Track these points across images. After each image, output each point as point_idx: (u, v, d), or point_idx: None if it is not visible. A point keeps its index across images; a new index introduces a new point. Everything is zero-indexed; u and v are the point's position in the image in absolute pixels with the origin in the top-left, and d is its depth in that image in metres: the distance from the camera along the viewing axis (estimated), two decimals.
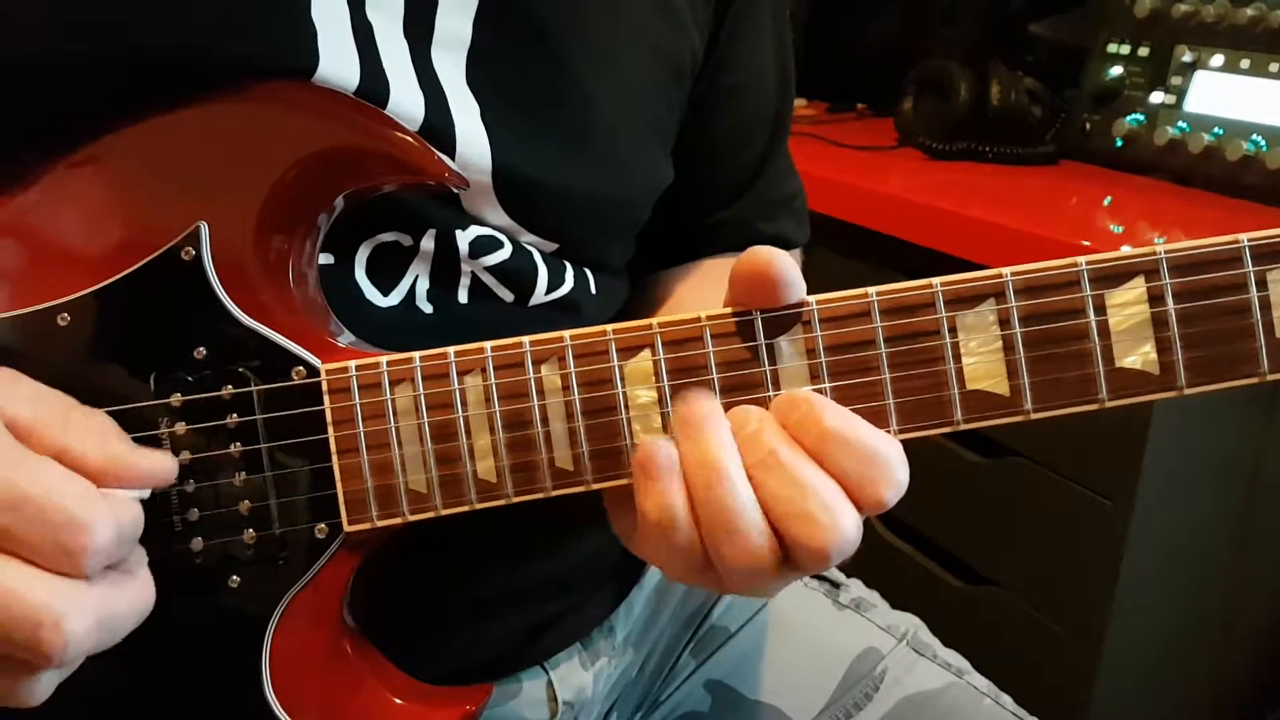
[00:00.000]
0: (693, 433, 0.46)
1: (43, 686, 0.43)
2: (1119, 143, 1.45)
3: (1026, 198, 1.38)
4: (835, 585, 0.82)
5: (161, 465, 0.47)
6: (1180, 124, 1.38)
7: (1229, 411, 1.23)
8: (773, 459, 0.45)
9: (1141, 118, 1.43)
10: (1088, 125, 1.49)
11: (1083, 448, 1.21)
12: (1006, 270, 0.48)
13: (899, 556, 1.46)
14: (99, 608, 0.42)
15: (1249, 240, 0.47)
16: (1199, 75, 1.38)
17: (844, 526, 0.45)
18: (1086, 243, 1.15)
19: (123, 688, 0.47)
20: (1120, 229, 1.26)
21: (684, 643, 0.78)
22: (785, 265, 0.47)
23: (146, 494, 0.46)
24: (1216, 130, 1.34)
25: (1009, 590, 1.33)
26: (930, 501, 1.39)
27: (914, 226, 1.31)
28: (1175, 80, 1.40)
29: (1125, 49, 1.47)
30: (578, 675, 0.70)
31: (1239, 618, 1.35)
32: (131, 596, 0.45)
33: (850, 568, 0.82)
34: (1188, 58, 1.39)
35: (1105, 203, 1.35)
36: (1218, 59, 1.37)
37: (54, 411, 0.45)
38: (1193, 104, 1.38)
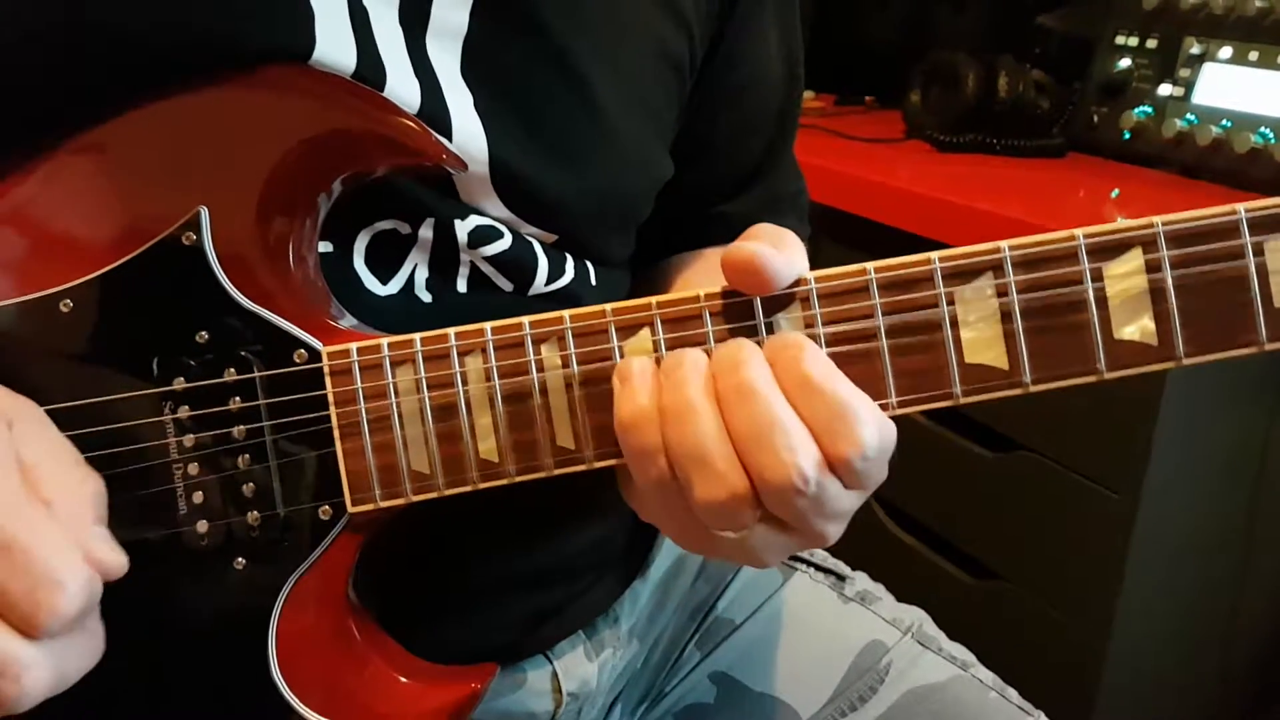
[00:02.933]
0: (670, 373, 0.47)
1: None
2: (1127, 135, 1.44)
3: (1034, 190, 1.38)
4: (841, 578, 0.82)
5: (114, 560, 0.45)
6: (1188, 116, 1.38)
7: (1236, 404, 1.22)
8: (747, 388, 0.46)
9: (1149, 110, 1.43)
10: (1095, 117, 1.49)
11: (1089, 441, 1.21)
12: (1004, 244, 0.48)
13: (906, 551, 1.46)
14: (57, 663, 0.43)
15: (1246, 210, 0.47)
16: (1207, 67, 1.38)
17: (803, 464, 0.45)
18: None
19: (131, 670, 0.47)
20: (1128, 222, 1.26)
21: (689, 634, 0.78)
22: (771, 260, 0.48)
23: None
24: (1225, 122, 1.34)
25: (1016, 584, 1.33)
26: (937, 496, 1.39)
27: (921, 219, 1.31)
28: (1183, 72, 1.40)
29: (1133, 41, 1.47)
30: (582, 666, 0.70)
31: (1246, 611, 1.34)
32: (84, 651, 0.45)
33: (857, 561, 0.82)
34: (1196, 50, 1.39)
35: (1113, 195, 1.35)
36: (1226, 51, 1.36)
37: (54, 466, 0.45)
38: (1201, 96, 1.38)
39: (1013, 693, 0.76)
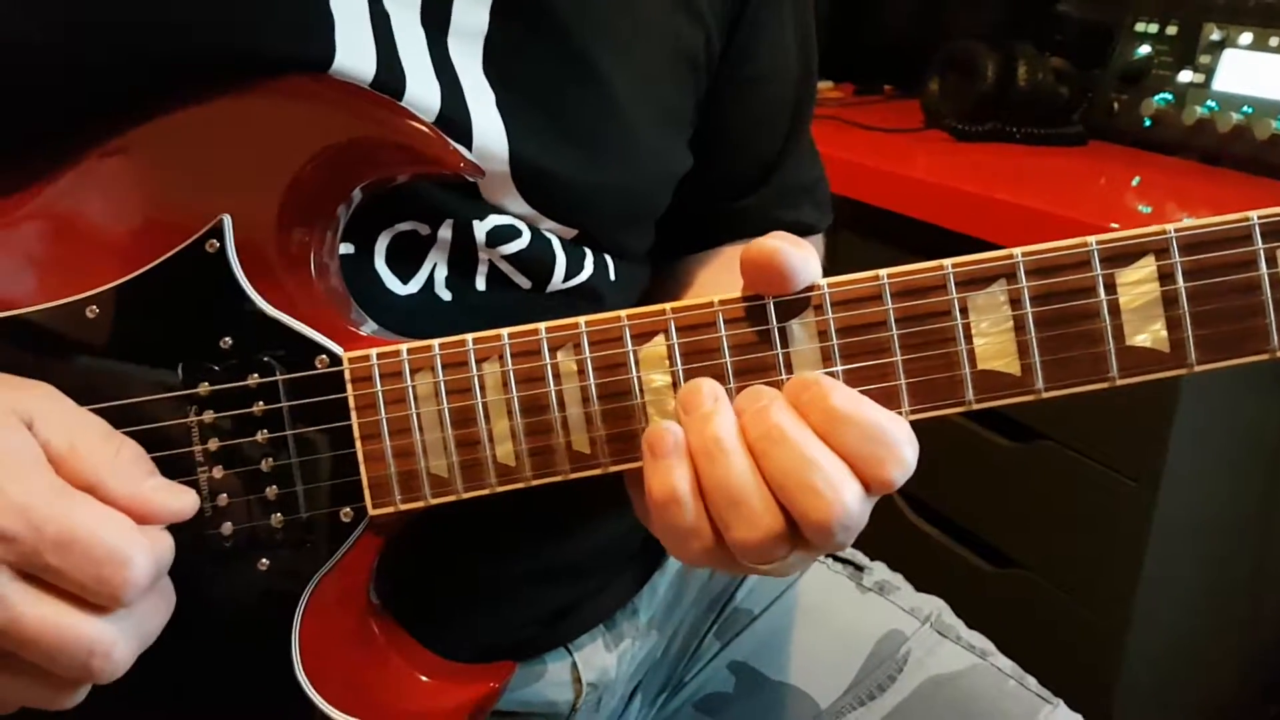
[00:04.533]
0: (693, 411, 0.48)
1: (80, 696, 0.47)
2: (1147, 122, 1.44)
3: (1054, 179, 1.37)
4: (859, 568, 0.82)
5: (184, 503, 0.49)
6: (1209, 103, 1.37)
7: (1255, 393, 1.22)
8: (777, 433, 0.46)
9: (1170, 97, 1.42)
10: (1115, 105, 1.49)
11: (1109, 430, 1.21)
12: (1017, 251, 0.48)
13: (926, 540, 1.46)
14: (140, 629, 0.46)
15: (1259, 217, 0.47)
16: (1227, 53, 1.37)
17: (846, 500, 0.45)
18: (1115, 225, 1.14)
19: (157, 669, 0.48)
20: (1149, 209, 1.25)
21: (708, 625, 0.79)
22: (791, 257, 0.48)
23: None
24: (1245, 109, 1.33)
25: (1036, 573, 1.34)
26: (957, 485, 1.39)
27: (940, 209, 1.31)
28: (1203, 59, 1.39)
29: (1153, 27, 1.46)
30: (601, 657, 0.71)
31: (1266, 598, 1.34)
32: (160, 610, 0.48)
33: (877, 550, 0.83)
34: (1216, 36, 1.38)
35: (1134, 183, 1.34)
36: (1246, 37, 1.35)
37: (88, 442, 0.47)
38: (1221, 83, 1.37)
39: (1032, 680, 0.76)
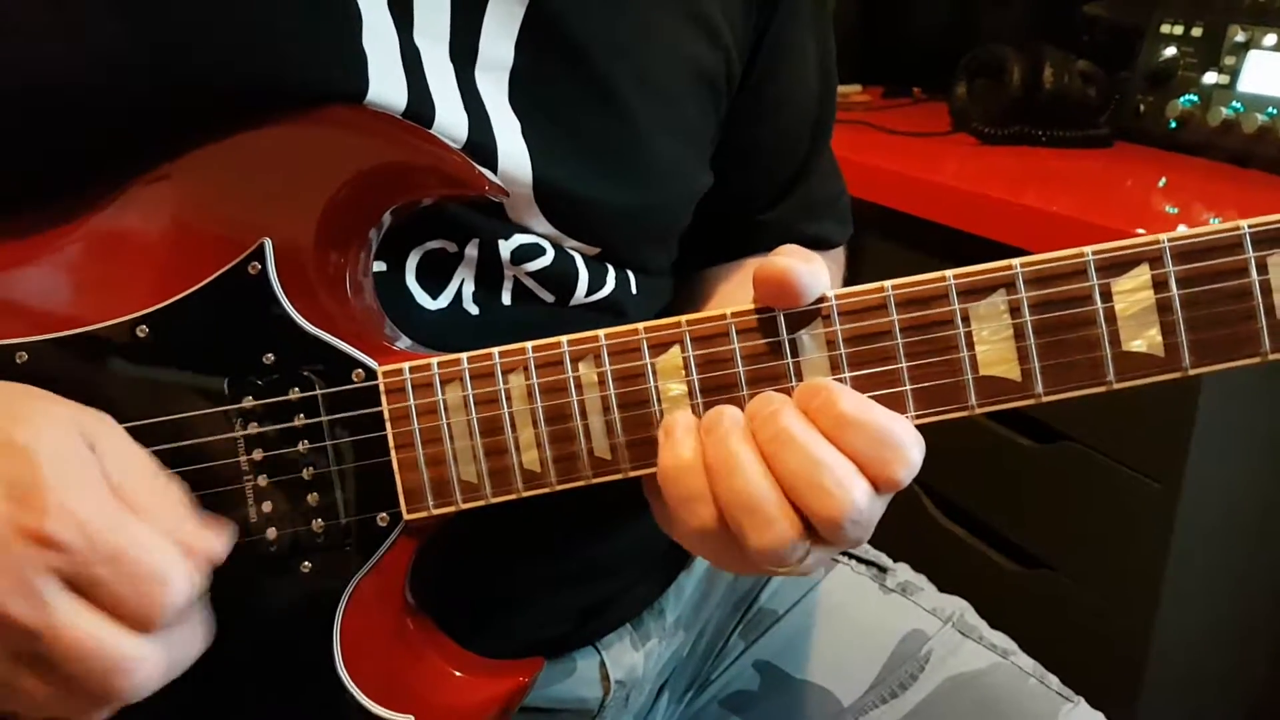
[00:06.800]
0: (712, 431, 0.50)
1: (106, 714, 0.48)
2: (1173, 124, 1.44)
3: (1080, 182, 1.38)
4: (882, 570, 0.83)
5: (219, 544, 0.50)
6: (1234, 104, 1.37)
7: (1275, 392, 1.22)
8: (786, 435, 0.48)
9: (1195, 98, 1.42)
10: (1141, 107, 1.49)
11: (1132, 431, 1.21)
12: (1016, 261, 0.50)
13: (952, 539, 1.47)
14: (167, 656, 0.48)
15: (1249, 226, 0.49)
16: (1252, 55, 1.37)
17: (855, 498, 0.47)
18: (1141, 231, 1.15)
19: (206, 667, 0.51)
20: (1175, 210, 1.26)
21: (733, 624, 0.81)
22: (801, 274, 0.50)
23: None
24: (1270, 110, 1.33)
25: (1061, 573, 1.34)
26: (983, 485, 1.40)
27: (966, 214, 1.32)
28: (1229, 60, 1.39)
29: (1179, 29, 1.46)
30: (629, 655, 0.73)
31: None
32: (192, 641, 0.50)
33: (903, 551, 0.84)
34: (1241, 37, 1.38)
35: (1160, 185, 1.35)
36: (1271, 38, 1.36)
37: (138, 477, 0.49)
38: (1246, 84, 1.38)
39: (1053, 679, 0.77)
